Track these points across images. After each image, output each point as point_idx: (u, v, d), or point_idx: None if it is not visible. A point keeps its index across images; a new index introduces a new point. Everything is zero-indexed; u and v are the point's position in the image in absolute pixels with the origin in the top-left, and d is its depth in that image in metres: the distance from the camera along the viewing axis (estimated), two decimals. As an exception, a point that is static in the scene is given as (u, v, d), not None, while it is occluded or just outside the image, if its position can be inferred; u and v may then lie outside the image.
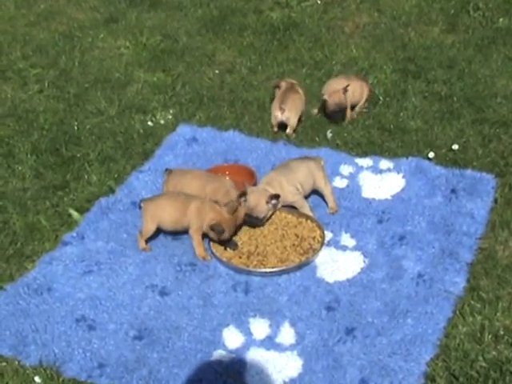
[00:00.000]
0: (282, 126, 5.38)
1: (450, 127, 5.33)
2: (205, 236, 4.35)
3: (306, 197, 4.64)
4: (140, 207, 4.38)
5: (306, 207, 4.55)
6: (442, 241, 4.34)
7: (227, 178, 4.62)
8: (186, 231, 4.37)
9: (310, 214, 4.54)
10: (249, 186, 4.49)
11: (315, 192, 4.69)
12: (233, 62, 6.33)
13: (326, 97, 5.37)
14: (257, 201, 4.40)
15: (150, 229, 4.35)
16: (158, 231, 4.43)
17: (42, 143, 5.31)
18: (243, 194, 4.40)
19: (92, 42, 6.65)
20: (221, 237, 4.26)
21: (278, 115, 5.35)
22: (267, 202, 4.40)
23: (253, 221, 4.45)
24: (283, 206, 4.57)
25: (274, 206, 4.44)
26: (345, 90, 5.34)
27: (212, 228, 4.24)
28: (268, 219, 4.51)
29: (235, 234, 4.36)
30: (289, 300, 4.02)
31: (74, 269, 4.25)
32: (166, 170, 4.65)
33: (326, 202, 4.65)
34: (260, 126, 5.44)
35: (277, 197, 4.41)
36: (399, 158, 5.00)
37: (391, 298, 3.99)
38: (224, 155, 5.16)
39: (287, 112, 5.32)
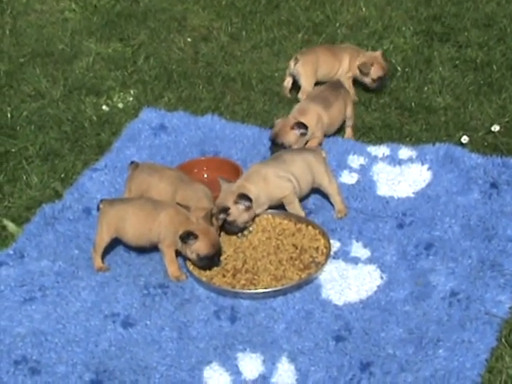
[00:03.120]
0: (295, 86, 5.50)
1: (488, 103, 5.38)
2: (179, 253, 4.37)
3: (303, 198, 4.70)
4: (98, 209, 4.39)
5: (296, 204, 4.59)
6: (480, 249, 4.38)
7: (203, 186, 4.56)
8: (153, 247, 4.41)
9: (302, 213, 4.59)
10: (224, 182, 4.54)
11: (318, 191, 4.74)
12: (209, 26, 6.36)
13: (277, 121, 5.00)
14: (223, 200, 4.46)
15: (103, 239, 4.37)
16: (117, 244, 4.45)
17: (-34, 136, 5.33)
18: (223, 210, 4.40)
19: (27, 4, 6.65)
20: (197, 250, 4.23)
21: (291, 64, 5.51)
22: (235, 203, 4.44)
23: (228, 227, 4.49)
24: (273, 208, 4.62)
25: (248, 208, 4.47)
26: (295, 126, 4.90)
27: (181, 238, 4.23)
28: (245, 225, 4.51)
29: (217, 255, 4.31)
30: (287, 329, 4.04)
31: (10, 296, 4.25)
32: (132, 162, 4.69)
33: (331, 204, 4.70)
34: (245, 109, 5.48)
35: (247, 198, 4.43)
36: (423, 145, 5.04)
37: (417, 324, 4.02)
38: (201, 146, 5.19)
39: (300, 65, 5.44)
